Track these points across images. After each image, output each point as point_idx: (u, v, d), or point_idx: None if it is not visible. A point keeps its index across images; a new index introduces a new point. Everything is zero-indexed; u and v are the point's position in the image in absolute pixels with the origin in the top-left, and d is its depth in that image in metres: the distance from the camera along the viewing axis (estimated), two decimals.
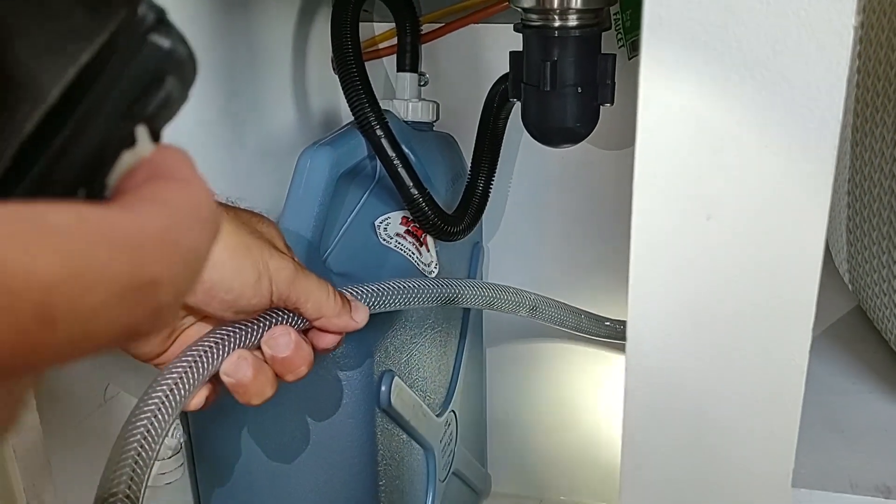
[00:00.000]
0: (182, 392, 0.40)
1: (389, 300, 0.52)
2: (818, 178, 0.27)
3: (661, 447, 0.33)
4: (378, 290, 0.52)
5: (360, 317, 0.47)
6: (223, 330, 0.41)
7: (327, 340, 0.46)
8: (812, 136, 0.26)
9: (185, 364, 0.40)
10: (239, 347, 0.42)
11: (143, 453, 0.39)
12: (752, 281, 0.28)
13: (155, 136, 0.17)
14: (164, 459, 0.57)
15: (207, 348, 0.41)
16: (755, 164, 0.27)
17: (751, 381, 0.30)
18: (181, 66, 0.17)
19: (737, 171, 0.27)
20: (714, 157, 0.27)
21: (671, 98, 0.27)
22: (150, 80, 0.16)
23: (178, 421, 0.60)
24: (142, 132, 0.16)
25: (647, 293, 0.30)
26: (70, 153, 0.15)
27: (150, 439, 0.39)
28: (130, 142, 0.16)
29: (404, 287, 0.54)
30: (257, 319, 0.42)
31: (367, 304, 0.49)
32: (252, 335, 0.42)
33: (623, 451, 0.33)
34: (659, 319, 0.30)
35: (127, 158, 0.16)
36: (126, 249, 0.13)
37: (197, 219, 0.15)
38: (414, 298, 0.55)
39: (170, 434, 0.59)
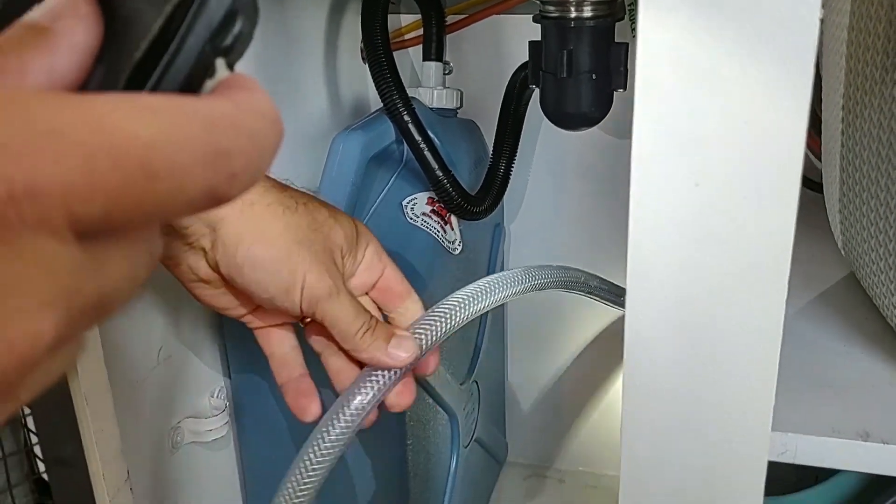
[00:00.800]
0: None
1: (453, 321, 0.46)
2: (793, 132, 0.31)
3: (657, 394, 0.37)
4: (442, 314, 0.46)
5: (400, 353, 0.43)
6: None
7: (393, 397, 0.44)
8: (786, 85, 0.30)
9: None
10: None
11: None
12: (734, 239, 0.33)
13: (230, 69, 0.20)
14: (210, 417, 0.62)
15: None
16: (736, 135, 0.31)
17: (735, 329, 0.34)
18: (249, 6, 0.20)
19: (720, 142, 0.31)
20: (701, 128, 0.31)
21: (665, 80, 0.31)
22: (225, 17, 0.19)
23: (223, 383, 0.65)
24: (220, 64, 0.19)
25: (644, 256, 0.35)
26: (166, 80, 0.18)
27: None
28: (212, 72, 0.19)
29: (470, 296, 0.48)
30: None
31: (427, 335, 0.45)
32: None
33: (623, 399, 0.38)
34: (655, 280, 0.35)
35: (208, 86, 0.19)
36: (204, 124, 0.17)
37: (260, 113, 0.18)
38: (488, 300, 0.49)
39: (215, 395, 0.65)
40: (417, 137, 0.70)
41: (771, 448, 0.40)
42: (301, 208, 0.42)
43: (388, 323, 0.48)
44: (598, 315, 0.96)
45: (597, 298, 0.62)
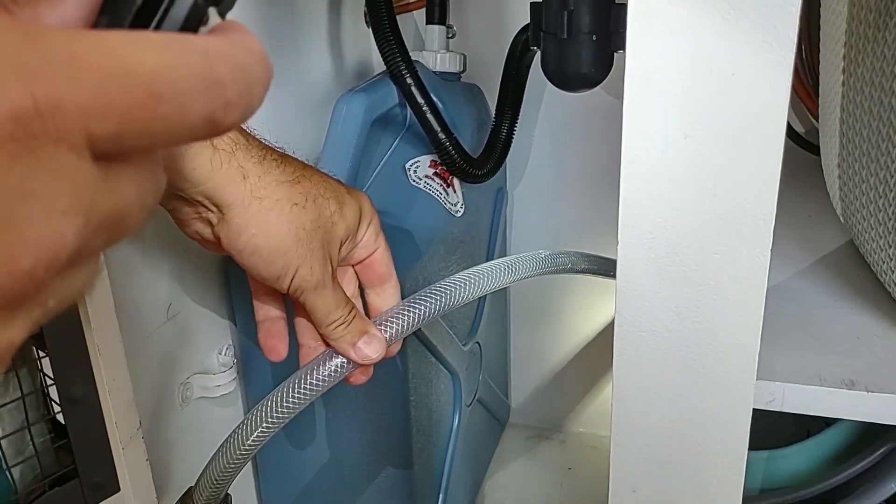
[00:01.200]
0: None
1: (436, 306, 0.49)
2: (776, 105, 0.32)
3: (646, 342, 0.39)
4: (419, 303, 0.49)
5: (367, 352, 0.47)
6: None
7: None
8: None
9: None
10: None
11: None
12: (721, 189, 0.34)
13: (222, 18, 0.22)
14: (218, 373, 0.64)
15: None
16: (724, 89, 0.32)
17: (721, 277, 0.35)
18: None
19: (707, 95, 0.32)
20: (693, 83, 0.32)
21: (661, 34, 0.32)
22: None
23: (231, 340, 0.67)
24: (213, 13, 0.21)
25: (635, 206, 0.36)
26: (163, 28, 0.20)
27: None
28: (205, 21, 0.21)
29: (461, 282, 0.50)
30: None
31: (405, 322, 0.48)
32: None
33: (615, 346, 0.39)
34: (645, 230, 0.36)
35: (202, 33, 0.21)
36: (202, 56, 0.18)
37: (251, 50, 0.20)
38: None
39: (222, 352, 0.66)
40: (420, 100, 0.71)
41: (760, 397, 0.41)
42: (309, 204, 0.45)
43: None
44: (602, 280, 0.97)
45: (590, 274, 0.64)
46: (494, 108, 0.80)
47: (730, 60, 0.31)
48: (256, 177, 0.42)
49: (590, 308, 1.00)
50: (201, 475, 0.48)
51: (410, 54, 0.72)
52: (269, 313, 0.51)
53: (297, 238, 0.44)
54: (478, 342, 0.85)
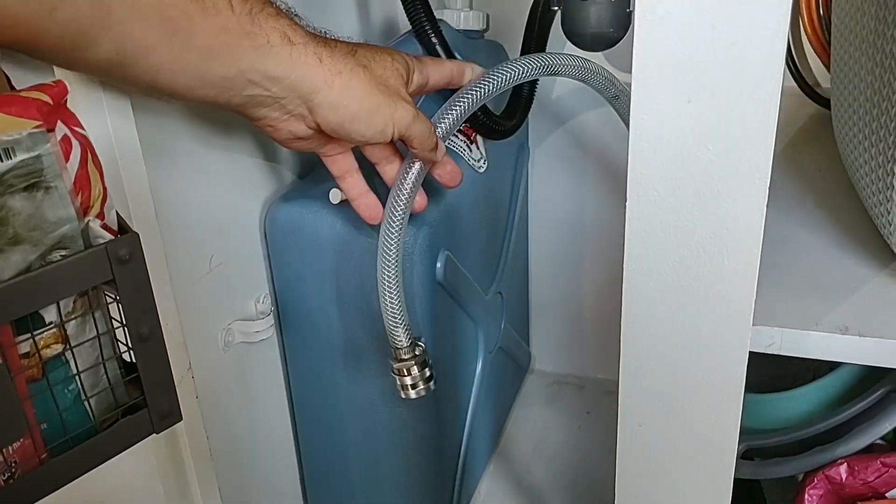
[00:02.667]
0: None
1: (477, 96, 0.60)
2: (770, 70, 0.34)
3: (652, 290, 0.42)
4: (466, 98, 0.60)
5: (440, 155, 0.59)
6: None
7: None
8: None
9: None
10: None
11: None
12: (721, 148, 0.36)
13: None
14: (257, 320, 0.69)
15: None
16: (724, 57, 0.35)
17: (720, 228, 0.38)
18: None
19: (708, 64, 0.35)
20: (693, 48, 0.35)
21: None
22: None
23: (267, 289, 0.71)
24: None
25: (643, 166, 0.39)
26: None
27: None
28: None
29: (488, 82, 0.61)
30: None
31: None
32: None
33: (624, 296, 0.43)
34: (653, 187, 0.39)
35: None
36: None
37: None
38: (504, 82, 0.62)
39: (260, 300, 0.71)
40: (445, 58, 0.73)
41: (759, 341, 0.45)
42: (373, 64, 0.52)
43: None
44: (617, 233, 1.00)
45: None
46: None
47: (729, 32, 0.34)
48: (329, 57, 0.48)
49: (607, 261, 1.03)
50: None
51: (434, 13, 0.74)
52: (360, 189, 0.59)
53: (381, 92, 0.51)
54: (499, 292, 0.89)
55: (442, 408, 0.78)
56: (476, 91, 0.60)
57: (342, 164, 0.58)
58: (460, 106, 0.59)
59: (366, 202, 0.59)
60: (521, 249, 1.00)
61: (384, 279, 0.60)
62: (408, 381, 0.65)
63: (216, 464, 0.61)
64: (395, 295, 0.61)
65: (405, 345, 0.65)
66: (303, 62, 0.46)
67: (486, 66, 0.84)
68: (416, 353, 0.65)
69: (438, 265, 0.69)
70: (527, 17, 0.79)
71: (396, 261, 0.59)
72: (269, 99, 0.47)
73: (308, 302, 0.70)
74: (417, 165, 0.57)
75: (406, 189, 0.57)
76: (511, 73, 0.61)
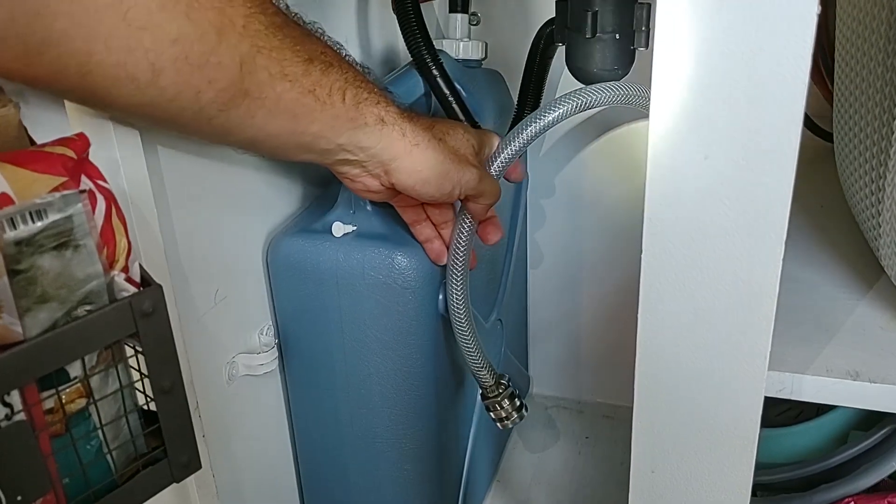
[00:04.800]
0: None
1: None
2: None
3: (667, 339, 0.42)
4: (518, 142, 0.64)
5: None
6: None
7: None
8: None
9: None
10: None
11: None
12: (737, 204, 0.37)
13: None
14: (261, 353, 0.69)
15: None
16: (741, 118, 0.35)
17: (734, 285, 0.39)
18: None
19: (725, 123, 0.35)
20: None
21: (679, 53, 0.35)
22: None
23: (270, 320, 0.71)
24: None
25: (659, 220, 0.39)
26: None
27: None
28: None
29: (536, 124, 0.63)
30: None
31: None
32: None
33: (638, 345, 0.43)
34: (667, 237, 0.39)
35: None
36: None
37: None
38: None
39: (264, 332, 0.71)
40: (446, 91, 0.74)
41: (771, 386, 0.45)
42: (447, 137, 0.60)
43: None
44: (616, 259, 1.00)
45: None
46: (516, 94, 0.83)
47: (748, 90, 0.35)
48: (412, 132, 0.55)
49: (606, 287, 1.03)
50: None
51: (434, 42, 0.74)
52: (429, 235, 0.66)
53: (451, 160, 0.57)
54: (499, 319, 0.89)
55: (443, 438, 0.78)
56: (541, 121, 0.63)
57: (412, 215, 0.66)
58: (517, 142, 0.64)
59: (431, 247, 0.67)
60: (520, 275, 1.01)
61: (460, 331, 0.68)
62: (501, 414, 0.73)
63: (221, 501, 0.61)
64: (473, 343, 0.69)
65: (491, 383, 0.72)
66: (388, 136, 0.54)
67: (486, 96, 0.85)
68: (500, 390, 0.72)
69: (440, 297, 0.70)
70: (528, 47, 0.80)
71: (467, 314, 0.67)
72: (355, 161, 0.55)
73: (310, 334, 0.70)
74: (468, 223, 0.64)
75: (463, 242, 0.65)
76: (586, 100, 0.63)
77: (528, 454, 1.02)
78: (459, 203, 0.65)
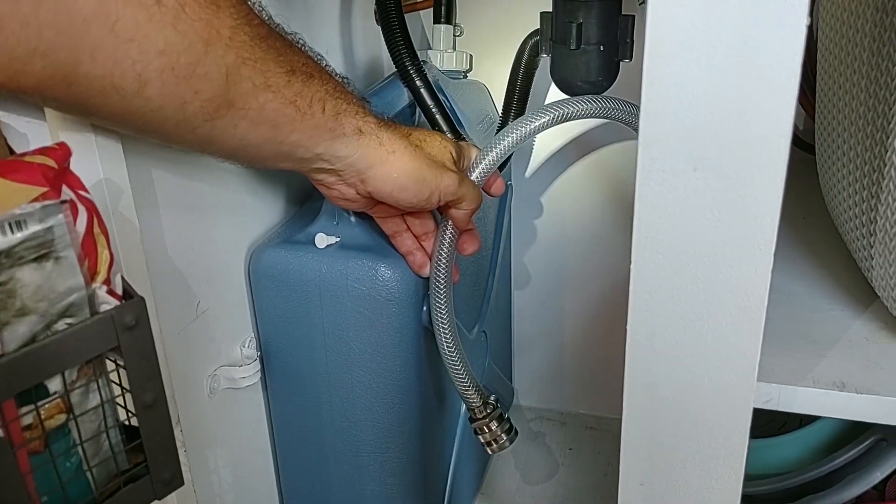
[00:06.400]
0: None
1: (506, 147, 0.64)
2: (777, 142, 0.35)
3: (656, 350, 0.42)
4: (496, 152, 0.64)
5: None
6: None
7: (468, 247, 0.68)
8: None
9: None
10: None
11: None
12: (726, 217, 0.37)
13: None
14: (242, 366, 0.68)
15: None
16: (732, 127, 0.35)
17: (723, 296, 0.39)
18: None
19: (714, 135, 0.35)
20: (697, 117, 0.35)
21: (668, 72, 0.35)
22: None
23: (252, 333, 0.70)
24: None
25: (649, 235, 0.39)
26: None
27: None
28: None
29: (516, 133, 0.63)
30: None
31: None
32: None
33: (627, 359, 0.43)
34: (656, 248, 0.39)
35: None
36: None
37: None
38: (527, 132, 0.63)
39: (246, 345, 0.70)
40: (429, 102, 0.74)
41: (758, 397, 0.45)
42: (424, 144, 0.60)
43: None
44: (600, 271, 1.01)
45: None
46: (500, 105, 0.83)
47: (738, 102, 0.35)
48: (388, 139, 0.55)
49: (590, 298, 1.03)
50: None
51: (419, 53, 0.74)
52: (410, 247, 0.66)
53: (428, 165, 0.57)
54: (484, 331, 0.89)
55: (427, 451, 0.77)
56: (515, 133, 0.63)
57: (392, 226, 0.65)
58: (497, 149, 0.64)
59: (413, 259, 0.67)
60: (504, 287, 1.00)
61: (447, 351, 0.67)
62: (487, 437, 0.71)
63: None
64: (459, 363, 0.67)
65: (478, 404, 0.70)
66: (365, 145, 0.54)
67: (470, 106, 0.85)
68: (488, 410, 0.70)
69: (424, 308, 0.69)
70: (512, 57, 0.80)
71: (452, 331, 0.66)
72: (331, 170, 0.55)
73: (293, 346, 0.70)
74: (449, 233, 0.64)
75: (445, 253, 0.64)
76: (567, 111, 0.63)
77: (512, 466, 1.01)
78: (440, 214, 0.64)
